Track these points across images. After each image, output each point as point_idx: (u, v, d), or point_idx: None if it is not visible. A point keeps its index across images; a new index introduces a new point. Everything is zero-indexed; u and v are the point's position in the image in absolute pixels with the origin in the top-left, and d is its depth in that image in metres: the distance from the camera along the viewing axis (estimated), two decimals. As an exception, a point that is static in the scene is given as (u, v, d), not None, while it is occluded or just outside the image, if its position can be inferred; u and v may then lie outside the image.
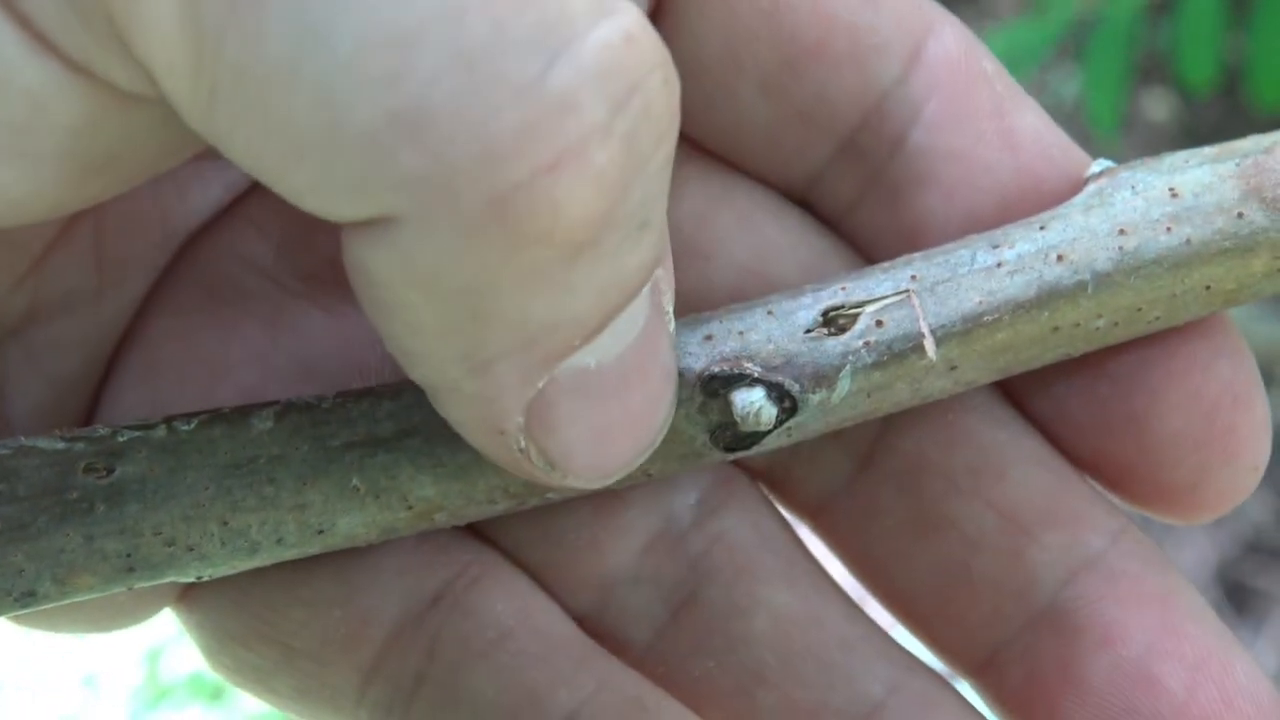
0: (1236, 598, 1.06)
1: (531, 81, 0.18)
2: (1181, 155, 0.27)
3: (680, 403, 0.24)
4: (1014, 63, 0.90)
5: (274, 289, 0.28)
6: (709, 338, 0.25)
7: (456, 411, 0.22)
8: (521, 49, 0.18)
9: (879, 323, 0.25)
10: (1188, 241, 0.25)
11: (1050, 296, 0.25)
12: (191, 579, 0.25)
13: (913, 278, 0.26)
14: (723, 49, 0.26)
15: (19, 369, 0.27)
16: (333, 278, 0.28)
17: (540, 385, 0.21)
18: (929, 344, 0.25)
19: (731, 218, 0.28)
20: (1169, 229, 0.26)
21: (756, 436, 0.25)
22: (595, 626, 0.28)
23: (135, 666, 1.04)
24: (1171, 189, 0.26)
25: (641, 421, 0.23)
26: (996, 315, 0.25)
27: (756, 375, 0.25)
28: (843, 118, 0.27)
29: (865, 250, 0.28)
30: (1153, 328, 0.26)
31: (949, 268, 0.26)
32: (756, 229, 0.28)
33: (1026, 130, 0.27)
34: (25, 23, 0.19)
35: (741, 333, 0.25)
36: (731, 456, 0.26)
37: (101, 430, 0.24)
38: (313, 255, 0.28)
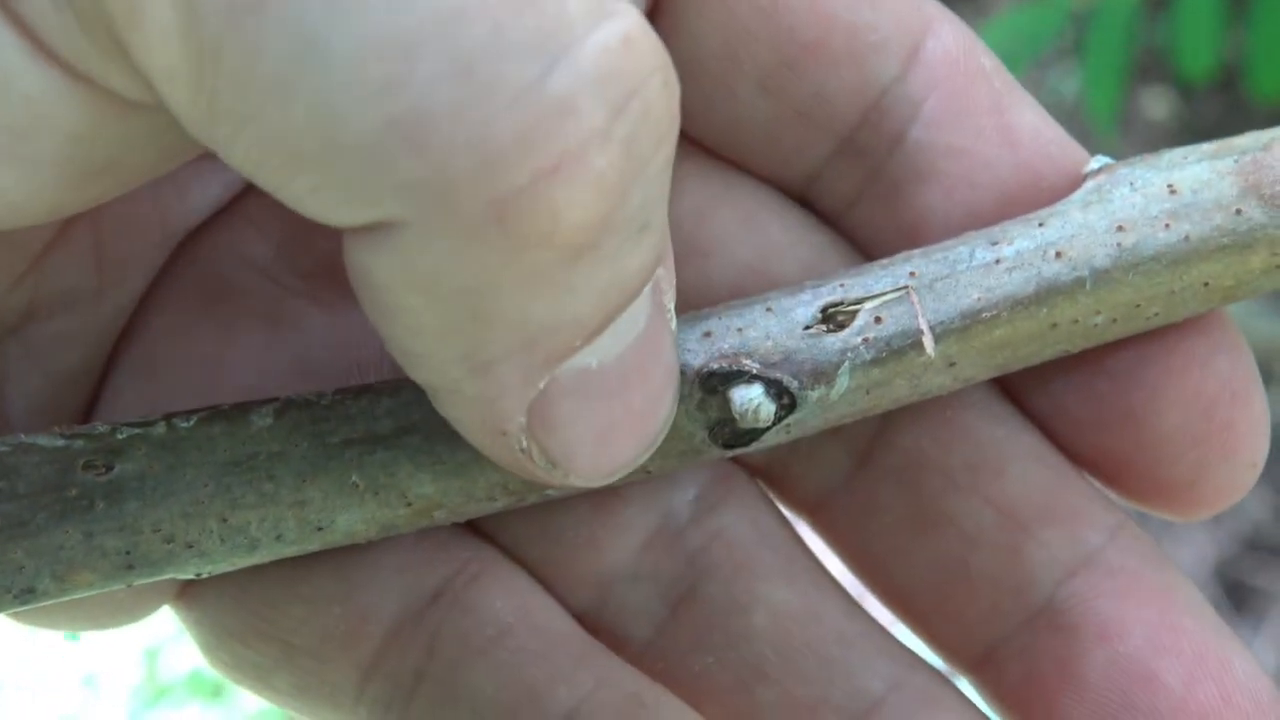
0: (1235, 595, 1.07)
1: (530, 86, 0.18)
2: (1180, 152, 0.27)
3: (679, 399, 0.24)
4: (1013, 53, 0.90)
5: (273, 287, 0.28)
6: (708, 334, 0.25)
7: (458, 412, 0.22)
8: (520, 54, 0.18)
9: (878, 319, 0.25)
10: (1186, 238, 0.26)
11: (1049, 293, 0.26)
12: (191, 576, 0.25)
13: (912, 274, 0.26)
14: (721, 47, 0.26)
15: (18, 366, 0.27)
16: (331, 276, 0.28)
17: (542, 386, 0.21)
18: (928, 341, 0.25)
19: (731, 215, 0.28)
20: (1167, 225, 0.26)
21: (755, 433, 0.25)
22: (594, 623, 0.28)
23: (134, 665, 1.04)
24: (1170, 185, 0.26)
25: (643, 420, 0.23)
26: (995, 312, 0.25)
27: (755, 372, 0.25)
28: (842, 115, 0.27)
29: (864, 247, 0.28)
30: (1151, 324, 0.26)
31: (948, 264, 0.26)
32: (756, 226, 0.28)
33: (1025, 127, 0.27)
34: (26, 30, 0.19)
35: (740, 329, 0.25)
36: (730, 453, 0.26)
37: (101, 427, 0.24)
38: (311, 254, 0.28)
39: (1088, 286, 0.26)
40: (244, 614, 0.28)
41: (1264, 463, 0.28)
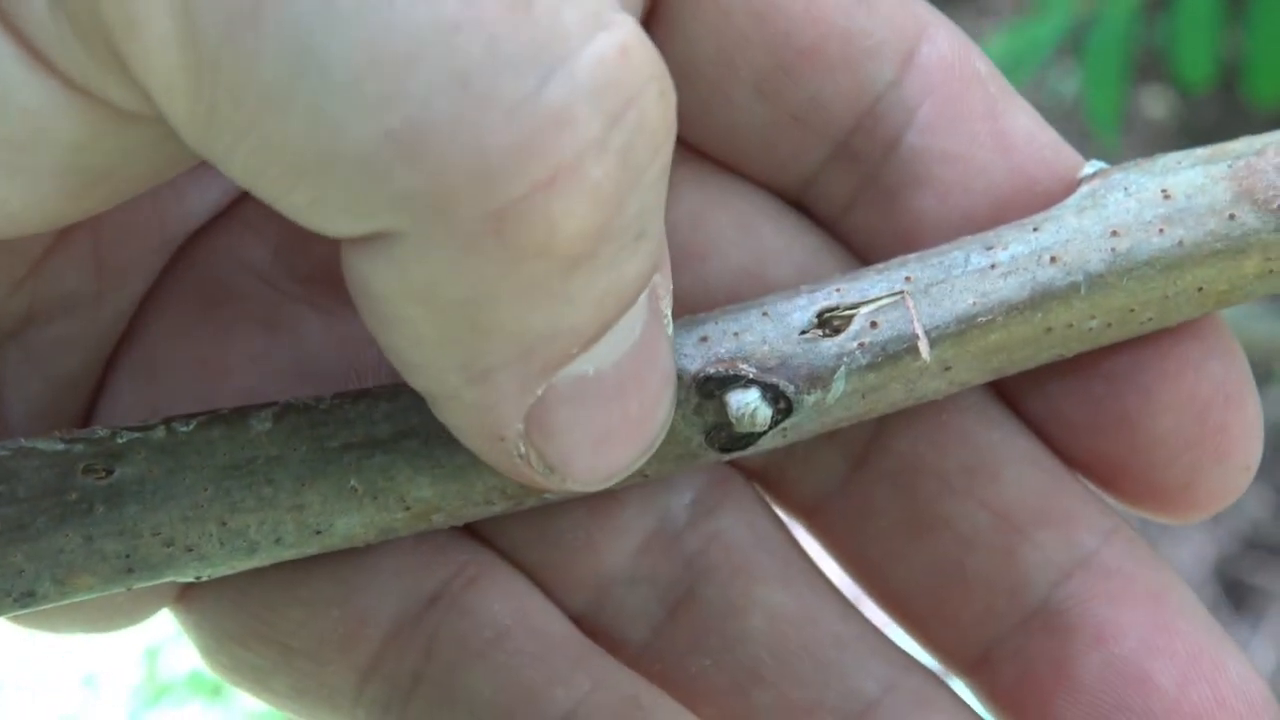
0: (1234, 594, 1.07)
1: (526, 98, 0.18)
2: (1174, 157, 0.27)
3: (676, 404, 0.25)
4: (1014, 64, 0.90)
5: (271, 291, 0.28)
6: (704, 339, 0.25)
7: (456, 419, 0.22)
8: (516, 66, 0.18)
9: (874, 324, 0.25)
10: (1180, 243, 0.26)
11: (1043, 298, 0.26)
12: (190, 579, 0.25)
13: (907, 279, 0.26)
14: (716, 53, 0.27)
15: (18, 371, 0.27)
16: (329, 281, 0.28)
17: (539, 393, 0.21)
18: (923, 345, 0.25)
19: (727, 220, 0.28)
20: (1161, 230, 0.26)
21: (752, 437, 0.25)
22: (592, 626, 0.28)
23: (134, 665, 1.04)
24: (1164, 190, 0.26)
25: (640, 426, 0.23)
26: (990, 316, 0.26)
27: (752, 376, 0.25)
28: (837, 120, 0.27)
29: (860, 252, 0.28)
30: (1145, 329, 0.26)
31: (943, 269, 0.26)
32: (752, 231, 0.28)
33: (1020, 132, 0.27)
34: (25, 42, 0.19)
35: (737, 334, 0.26)
36: (727, 457, 0.26)
37: (101, 432, 0.25)
38: (309, 258, 0.28)
39: (1082, 291, 0.26)
40: (243, 617, 0.28)
41: (1257, 466, 0.28)
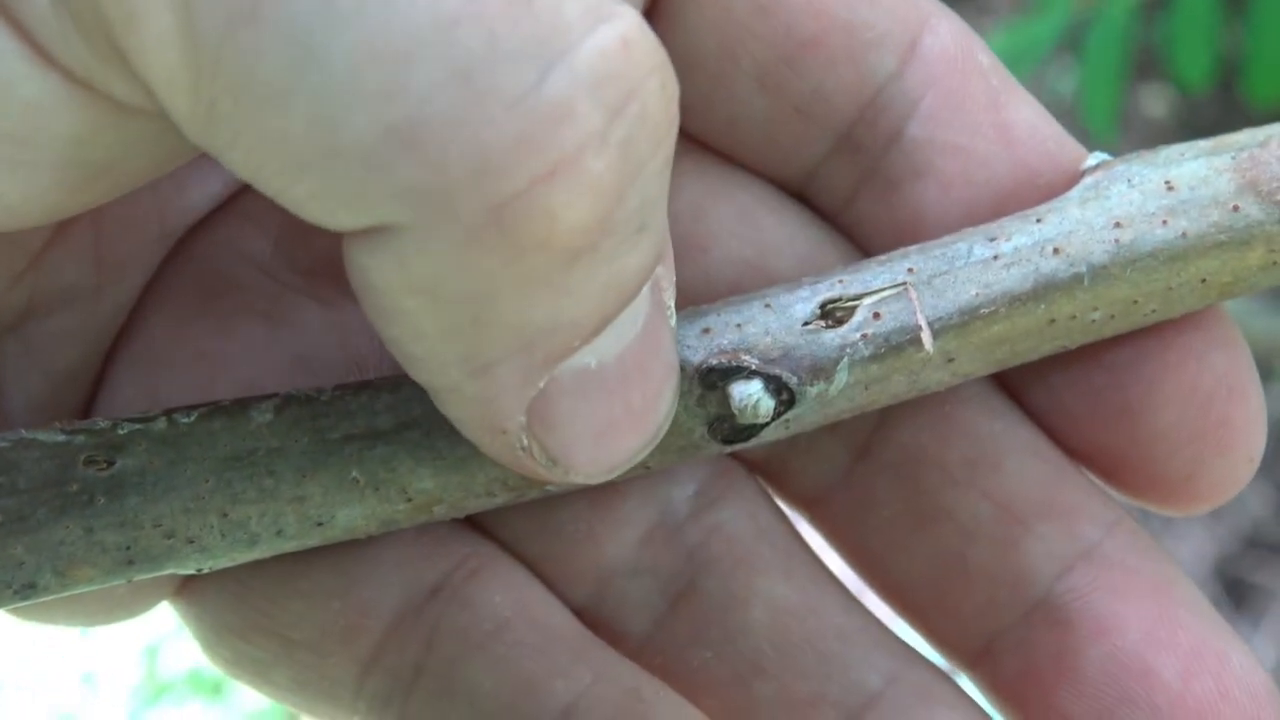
0: (1235, 592, 1.07)
1: (527, 91, 0.18)
2: (1177, 148, 0.27)
3: (678, 396, 0.25)
4: (1013, 62, 0.90)
5: (272, 283, 0.28)
6: (707, 331, 0.25)
7: (458, 411, 0.22)
8: (516, 59, 0.18)
9: (876, 315, 0.25)
10: (1183, 235, 0.26)
11: (1046, 289, 0.26)
12: (191, 571, 0.25)
13: (910, 270, 0.26)
14: (718, 44, 0.27)
15: (17, 363, 0.27)
16: (330, 272, 0.28)
17: (541, 385, 0.21)
18: (926, 336, 0.25)
19: (729, 211, 0.28)
20: (1165, 222, 0.26)
21: (754, 429, 0.25)
22: (593, 618, 0.28)
23: (134, 663, 1.04)
24: (1167, 182, 0.26)
25: (643, 418, 0.23)
26: (993, 308, 0.26)
27: (754, 368, 0.25)
28: (839, 112, 0.27)
29: (862, 243, 0.28)
30: (1149, 320, 0.26)
31: (946, 260, 0.26)
32: (754, 222, 0.28)
33: (1022, 123, 0.27)
34: (27, 36, 0.19)
35: (739, 325, 0.25)
36: (729, 449, 0.26)
37: (102, 423, 0.25)
38: (310, 250, 0.28)
39: (1085, 283, 0.26)
40: (243, 609, 0.28)
41: (1261, 458, 0.28)
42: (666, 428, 0.24)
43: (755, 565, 0.28)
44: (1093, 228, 0.26)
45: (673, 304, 0.23)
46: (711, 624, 0.28)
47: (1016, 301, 0.26)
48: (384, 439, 0.25)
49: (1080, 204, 0.26)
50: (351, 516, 0.25)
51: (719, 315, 0.26)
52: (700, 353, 0.25)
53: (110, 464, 0.24)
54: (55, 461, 0.24)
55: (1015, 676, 0.28)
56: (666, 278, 0.23)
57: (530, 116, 0.18)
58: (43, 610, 0.27)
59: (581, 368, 0.21)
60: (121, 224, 0.27)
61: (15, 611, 0.26)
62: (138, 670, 1.04)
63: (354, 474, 0.25)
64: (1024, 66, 0.91)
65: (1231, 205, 0.26)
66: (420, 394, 0.23)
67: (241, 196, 0.28)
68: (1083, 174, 0.27)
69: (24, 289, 0.26)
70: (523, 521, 0.28)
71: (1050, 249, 0.26)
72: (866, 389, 0.26)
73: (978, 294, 0.26)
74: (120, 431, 0.24)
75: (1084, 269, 0.26)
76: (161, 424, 0.25)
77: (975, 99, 0.27)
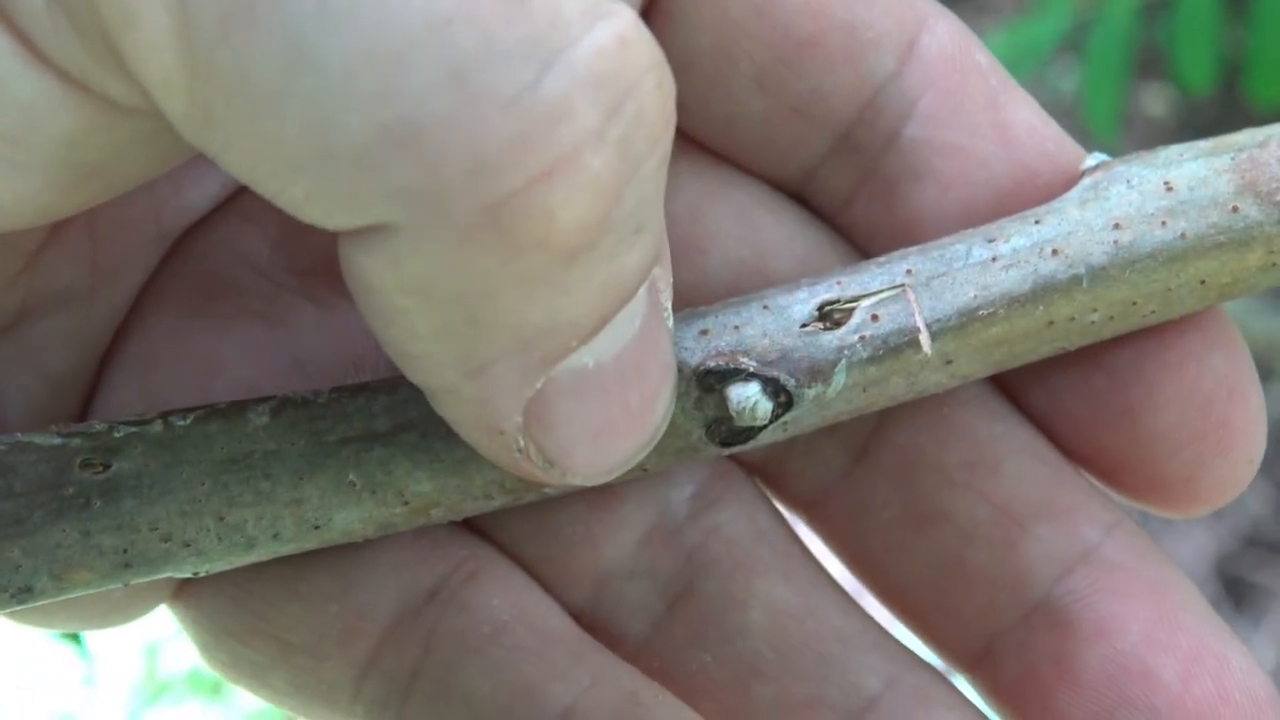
0: (1235, 592, 1.07)
1: (523, 91, 0.18)
2: (1177, 149, 0.27)
3: (676, 398, 0.24)
4: (1014, 63, 0.90)
5: (268, 285, 0.28)
6: (704, 332, 0.25)
7: (455, 412, 0.22)
8: (512, 59, 0.18)
9: (874, 317, 0.25)
10: (1183, 236, 0.26)
11: (1045, 291, 0.26)
12: (188, 574, 0.25)
13: (908, 272, 0.26)
14: (715, 44, 0.27)
15: (13, 366, 0.27)
16: (327, 273, 0.28)
17: (538, 386, 0.21)
18: (924, 338, 0.25)
19: (727, 212, 0.28)
20: (1164, 223, 0.26)
21: (752, 431, 0.25)
22: (591, 621, 0.28)
23: (134, 662, 1.04)
24: (1167, 183, 0.26)
25: (640, 419, 0.23)
26: (992, 309, 0.25)
27: (752, 370, 0.25)
28: (837, 112, 0.27)
29: (861, 244, 0.28)
30: (1148, 321, 0.26)
31: (944, 262, 0.26)
32: (752, 223, 0.28)
33: (1021, 124, 0.27)
34: (22, 36, 0.19)
35: (737, 327, 0.25)
36: (727, 451, 0.26)
37: (98, 426, 0.24)
38: (307, 251, 0.28)
39: (1084, 284, 0.26)
40: (241, 613, 0.28)
41: (1261, 459, 0.28)
42: (664, 429, 0.24)
43: (754, 567, 0.28)
44: (1092, 229, 0.26)
45: (670, 305, 0.23)
46: (710, 626, 0.28)
47: (1015, 303, 0.26)
48: (381, 441, 0.25)
49: (1079, 205, 0.26)
50: (348, 519, 0.25)
51: (717, 317, 0.26)
52: (698, 354, 0.25)
53: (106, 467, 0.24)
54: (51, 465, 0.24)
55: (1014, 679, 0.28)
56: (664, 278, 0.23)
57: (527, 116, 0.18)
58: (40, 614, 0.27)
59: (579, 368, 0.21)
60: (117, 225, 0.27)
61: (12, 615, 0.26)
62: (138, 669, 1.04)
63: (351, 477, 0.25)
64: (1026, 66, 0.91)
65: (1231, 206, 0.26)
66: (417, 396, 0.23)
67: (238, 198, 0.28)
68: (1081, 175, 0.27)
69: (19, 291, 0.26)
70: (520, 524, 0.28)
71: (1049, 250, 0.26)
72: (865, 391, 0.26)
73: (976, 296, 0.25)
74: (116, 434, 0.24)
75: (1083, 270, 0.26)
76: (158, 427, 0.25)
77: (974, 99, 0.27)
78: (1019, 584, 0.27)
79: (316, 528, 0.25)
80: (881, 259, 0.26)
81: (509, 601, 0.27)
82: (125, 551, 0.24)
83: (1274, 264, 0.26)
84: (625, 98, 0.19)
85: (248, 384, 0.27)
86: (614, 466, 0.23)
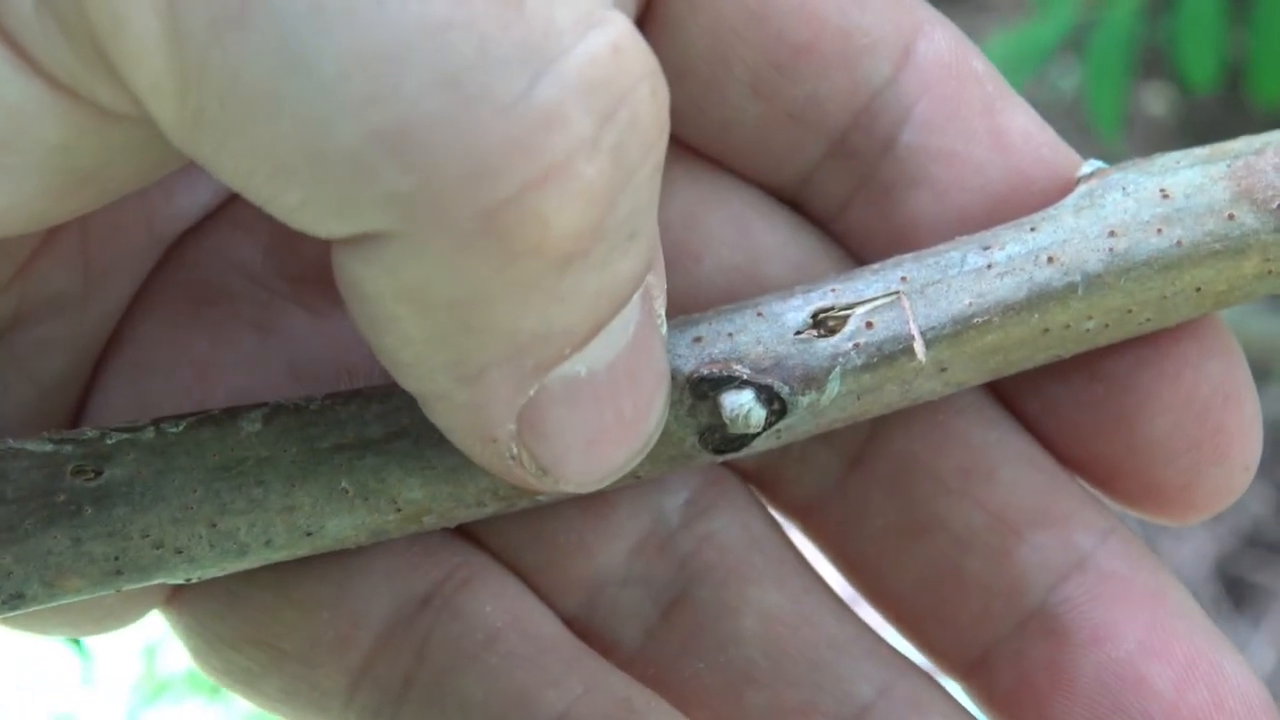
0: (1235, 592, 1.06)
1: (518, 97, 0.18)
2: (1173, 156, 0.27)
3: (669, 405, 0.24)
4: (1016, 63, 0.90)
5: (261, 291, 0.28)
6: (698, 340, 0.25)
7: (448, 420, 0.22)
8: (507, 66, 0.18)
9: (869, 324, 0.25)
10: (1178, 243, 0.25)
11: (1041, 298, 0.25)
12: (180, 581, 0.25)
13: (903, 279, 0.26)
14: (711, 50, 0.26)
15: (5, 372, 0.27)
16: (320, 280, 0.28)
17: (531, 393, 0.21)
18: (919, 346, 0.25)
19: (721, 218, 0.28)
20: (1160, 231, 0.26)
21: (746, 438, 0.25)
22: (584, 628, 0.28)
23: (133, 662, 1.04)
24: (1162, 190, 0.26)
25: (633, 427, 0.23)
26: (987, 317, 0.25)
27: (746, 377, 0.25)
28: (833, 118, 0.27)
29: (855, 251, 0.28)
30: (1143, 329, 0.26)
31: (939, 269, 0.26)
32: (746, 230, 0.28)
33: (1017, 130, 0.27)
34: (11, 41, 0.19)
35: (731, 334, 0.25)
36: (721, 458, 0.26)
37: (90, 432, 0.24)
38: (300, 258, 0.28)
39: (1080, 291, 0.25)
40: (233, 619, 0.27)
41: (1257, 466, 0.28)
42: (657, 437, 0.24)
43: (747, 574, 0.28)
44: (1087, 236, 0.26)
45: (663, 312, 0.23)
46: (703, 633, 0.28)
47: (1010, 311, 0.25)
48: (374, 448, 0.25)
49: (1075, 212, 0.26)
50: (341, 526, 0.25)
51: (710, 324, 0.26)
52: (691, 362, 0.25)
53: (98, 474, 0.24)
54: (43, 471, 0.24)
55: (1009, 687, 0.27)
56: (657, 285, 0.23)
57: (521, 122, 0.18)
58: (32, 620, 0.27)
59: (572, 376, 0.21)
60: (110, 232, 0.27)
61: (4, 621, 0.26)
62: (137, 669, 1.04)
63: (343, 484, 0.25)
64: (1028, 67, 0.91)
65: (1227, 214, 0.25)
66: (410, 403, 0.23)
67: (231, 204, 0.28)
68: (1077, 181, 0.27)
69: (11, 297, 0.26)
70: (514, 531, 0.28)
71: (1044, 258, 0.26)
72: (859, 398, 0.26)
73: (971, 303, 0.25)
74: (108, 441, 0.24)
75: (1078, 278, 0.25)
76: (150, 433, 0.25)
77: (970, 105, 0.27)
78: (1014, 591, 0.27)
79: (309, 535, 0.25)
80: (876, 266, 0.26)
81: (502, 609, 0.27)
82: (117, 558, 0.24)
83: (1270, 271, 0.26)
84: (619, 105, 0.19)
85: (240, 391, 0.27)
86: (607, 474, 0.23)
